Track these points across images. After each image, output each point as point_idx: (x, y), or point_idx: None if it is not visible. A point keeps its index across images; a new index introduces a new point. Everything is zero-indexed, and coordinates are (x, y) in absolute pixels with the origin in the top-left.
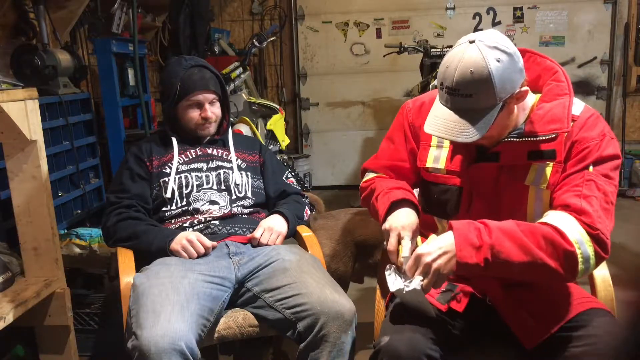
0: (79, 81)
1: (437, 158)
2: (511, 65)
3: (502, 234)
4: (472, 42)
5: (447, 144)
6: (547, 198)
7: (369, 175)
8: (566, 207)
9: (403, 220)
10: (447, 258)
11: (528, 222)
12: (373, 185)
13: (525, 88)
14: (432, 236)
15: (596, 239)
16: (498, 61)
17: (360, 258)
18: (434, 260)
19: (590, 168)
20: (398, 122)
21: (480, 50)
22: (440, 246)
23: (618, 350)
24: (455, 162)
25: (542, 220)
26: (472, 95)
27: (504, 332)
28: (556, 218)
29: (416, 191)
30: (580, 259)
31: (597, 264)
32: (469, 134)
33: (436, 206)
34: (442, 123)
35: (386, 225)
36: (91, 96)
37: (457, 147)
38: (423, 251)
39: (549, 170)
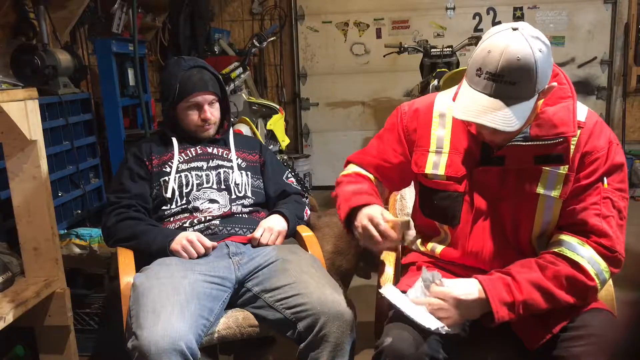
0: (79, 81)
1: (436, 164)
2: (548, 58)
3: (530, 286)
4: (515, 29)
5: (446, 149)
6: (558, 208)
7: (349, 170)
8: (585, 225)
9: (374, 209)
10: (479, 311)
11: (550, 259)
12: (338, 188)
13: (554, 84)
14: (459, 280)
15: (613, 260)
16: (540, 52)
17: (366, 256)
18: (468, 310)
19: (605, 181)
20: (392, 122)
21: (525, 38)
22: (475, 298)
23: (618, 349)
24: (454, 168)
25: (560, 249)
26: (516, 83)
27: (505, 332)
28: (578, 251)
29: (412, 193)
30: (599, 287)
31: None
32: (511, 122)
33: (437, 212)
34: (481, 110)
35: (359, 222)
36: (91, 96)
37: (460, 152)
38: (459, 296)
39: (561, 179)
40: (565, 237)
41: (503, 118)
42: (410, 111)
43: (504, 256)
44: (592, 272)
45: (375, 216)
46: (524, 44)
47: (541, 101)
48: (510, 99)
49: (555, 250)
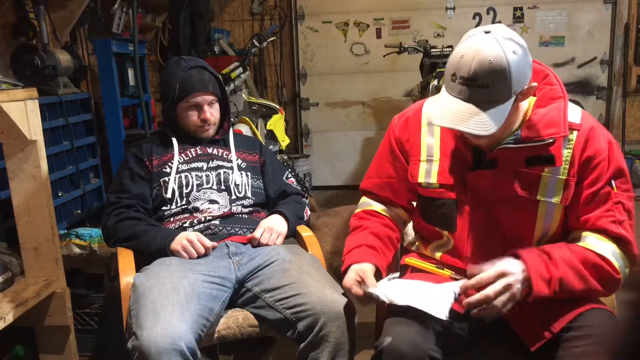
0: (79, 81)
1: (428, 172)
2: (524, 58)
3: (566, 265)
4: (487, 32)
5: (437, 157)
6: (559, 213)
7: (359, 207)
8: (603, 232)
9: (352, 274)
10: (525, 289)
11: (578, 248)
12: (348, 238)
13: (534, 84)
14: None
15: (634, 261)
16: (514, 53)
17: None
18: (518, 290)
19: (614, 185)
20: (386, 138)
21: (497, 41)
22: (522, 273)
23: (619, 349)
24: (446, 175)
25: (584, 244)
26: (489, 86)
27: (506, 333)
28: (600, 246)
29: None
30: (622, 281)
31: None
32: (486, 126)
33: (435, 219)
34: (455, 115)
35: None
36: (91, 96)
37: (451, 158)
38: (509, 271)
39: (561, 184)
40: (587, 234)
41: (478, 123)
42: (401, 122)
43: None
44: (616, 264)
45: (353, 285)
46: (495, 47)
47: (526, 102)
48: (485, 102)
49: (580, 244)
